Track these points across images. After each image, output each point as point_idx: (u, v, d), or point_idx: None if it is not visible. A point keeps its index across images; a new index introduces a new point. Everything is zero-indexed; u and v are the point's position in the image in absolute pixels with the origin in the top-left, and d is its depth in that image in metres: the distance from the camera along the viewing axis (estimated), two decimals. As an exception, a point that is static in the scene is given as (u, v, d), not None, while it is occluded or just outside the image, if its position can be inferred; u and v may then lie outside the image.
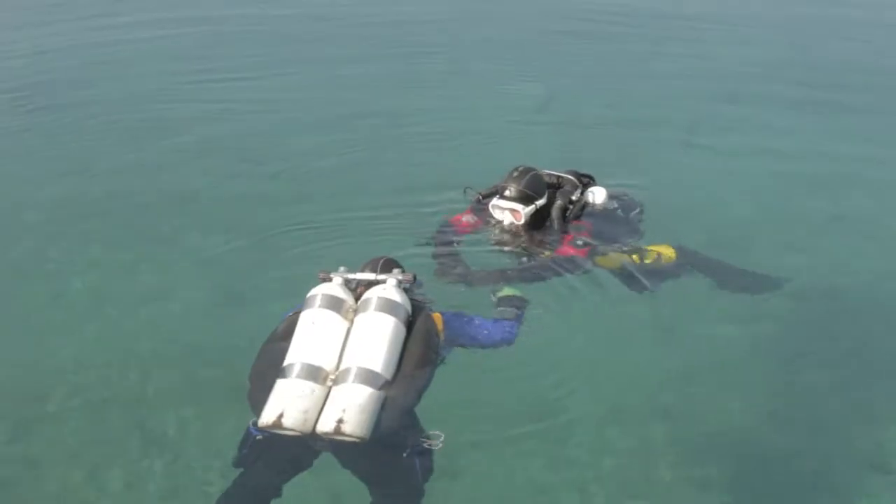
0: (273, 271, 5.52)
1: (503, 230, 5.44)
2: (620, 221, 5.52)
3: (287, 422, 3.21)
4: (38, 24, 11.94)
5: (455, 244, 5.43)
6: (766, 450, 4.42)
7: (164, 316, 5.26)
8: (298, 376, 3.31)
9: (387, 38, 11.20)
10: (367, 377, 3.29)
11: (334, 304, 3.50)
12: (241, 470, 3.45)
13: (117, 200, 6.70)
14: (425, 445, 3.42)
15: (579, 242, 5.30)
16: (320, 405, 3.27)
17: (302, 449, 3.44)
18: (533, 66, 10.19)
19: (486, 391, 4.55)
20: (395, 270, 3.70)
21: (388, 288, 3.56)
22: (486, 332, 3.95)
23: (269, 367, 3.43)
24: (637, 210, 5.62)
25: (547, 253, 5.31)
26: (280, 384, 3.31)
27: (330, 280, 3.65)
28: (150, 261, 5.83)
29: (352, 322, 3.49)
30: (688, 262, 5.35)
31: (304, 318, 3.49)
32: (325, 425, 3.21)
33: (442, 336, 3.66)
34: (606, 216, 5.50)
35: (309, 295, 3.56)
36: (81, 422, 4.43)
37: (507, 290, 4.60)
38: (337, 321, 3.48)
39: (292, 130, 8.11)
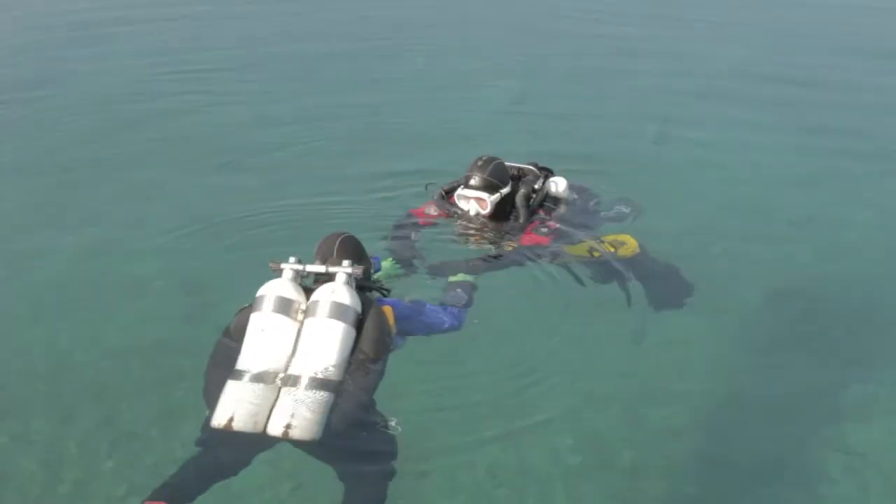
0: (236, 258, 5.52)
1: (468, 221, 5.45)
2: (581, 211, 5.57)
3: (237, 425, 3.28)
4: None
5: (413, 235, 5.45)
6: (735, 444, 4.43)
7: (130, 306, 5.23)
8: (248, 380, 3.38)
9: (363, 35, 11.18)
10: (316, 383, 3.37)
11: (283, 306, 3.54)
12: (201, 449, 3.45)
13: (81, 190, 6.69)
14: (383, 430, 3.45)
15: (543, 230, 5.34)
16: (270, 406, 3.33)
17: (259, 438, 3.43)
18: (507, 62, 10.20)
19: (449, 384, 4.54)
20: (346, 263, 3.65)
21: (338, 289, 3.54)
22: (436, 320, 3.99)
23: (220, 367, 3.51)
24: (594, 201, 5.69)
25: (512, 243, 5.32)
26: (230, 386, 3.38)
27: (280, 271, 3.65)
28: (115, 251, 5.81)
29: (301, 323, 3.52)
30: (645, 261, 5.35)
31: (254, 322, 3.53)
32: (274, 429, 3.29)
33: (394, 329, 3.69)
34: (568, 205, 5.55)
35: (258, 294, 3.60)
36: (47, 414, 4.39)
37: (459, 276, 4.62)
38: (286, 325, 3.53)
39: (262, 124, 8.14)
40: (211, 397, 3.42)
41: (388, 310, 3.71)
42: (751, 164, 7.46)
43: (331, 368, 3.40)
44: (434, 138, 7.70)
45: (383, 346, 3.60)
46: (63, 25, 11.56)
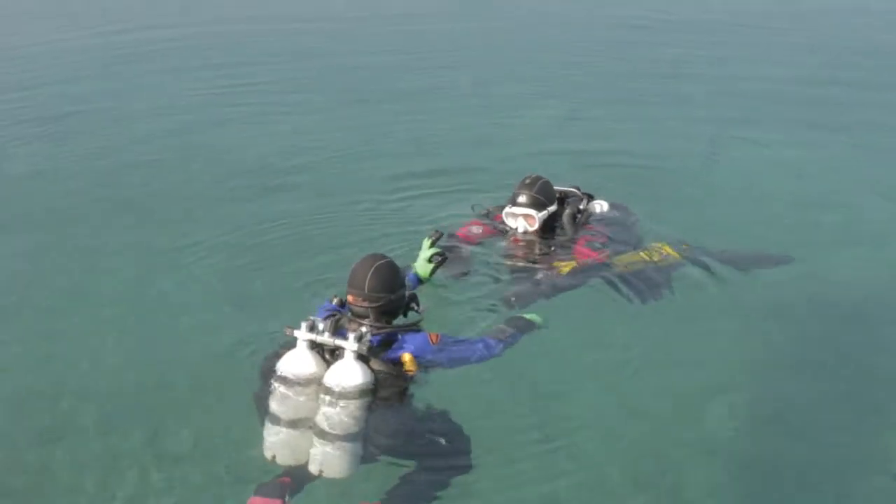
0: (277, 275, 5.56)
1: (516, 239, 5.48)
2: (624, 227, 5.70)
3: (280, 462, 3.58)
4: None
5: (464, 250, 5.49)
6: (771, 458, 4.28)
7: (171, 321, 5.24)
8: (281, 425, 3.58)
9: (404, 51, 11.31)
10: (339, 440, 3.52)
11: (300, 382, 3.64)
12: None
13: (114, 203, 6.83)
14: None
15: (597, 244, 5.42)
16: (307, 447, 3.57)
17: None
18: (552, 85, 10.20)
19: (515, 406, 4.51)
20: (352, 337, 3.62)
21: (347, 373, 3.58)
22: (463, 355, 4.00)
23: (262, 399, 3.72)
24: (634, 218, 5.82)
25: (565, 262, 5.33)
26: (268, 428, 3.61)
27: (294, 337, 3.70)
28: (154, 264, 5.86)
29: (320, 392, 3.61)
30: (693, 256, 5.48)
31: (277, 391, 3.65)
32: (311, 468, 3.55)
33: (415, 373, 3.77)
34: (610, 222, 5.69)
35: (278, 370, 3.68)
36: (93, 431, 4.35)
37: (531, 315, 4.61)
38: (307, 393, 3.63)
39: (302, 142, 8.22)
40: (261, 422, 3.67)
41: (408, 359, 3.75)
42: (800, 182, 7.39)
43: (352, 429, 3.55)
44: (478, 159, 7.69)
45: (400, 395, 3.73)
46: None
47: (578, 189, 5.80)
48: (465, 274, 5.28)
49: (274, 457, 3.57)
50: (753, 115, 9.07)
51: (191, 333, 5.10)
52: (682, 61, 11.15)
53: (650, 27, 13.02)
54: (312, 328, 3.68)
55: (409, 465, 3.72)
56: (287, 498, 3.51)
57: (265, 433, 3.59)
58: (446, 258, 4.83)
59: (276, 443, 3.57)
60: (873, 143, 8.33)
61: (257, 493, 3.50)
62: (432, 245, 4.78)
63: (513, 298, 5.02)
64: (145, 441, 4.25)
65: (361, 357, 3.62)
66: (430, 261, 4.71)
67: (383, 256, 3.98)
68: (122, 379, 4.74)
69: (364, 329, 3.68)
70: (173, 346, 4.98)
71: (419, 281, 4.71)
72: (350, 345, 3.58)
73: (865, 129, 8.69)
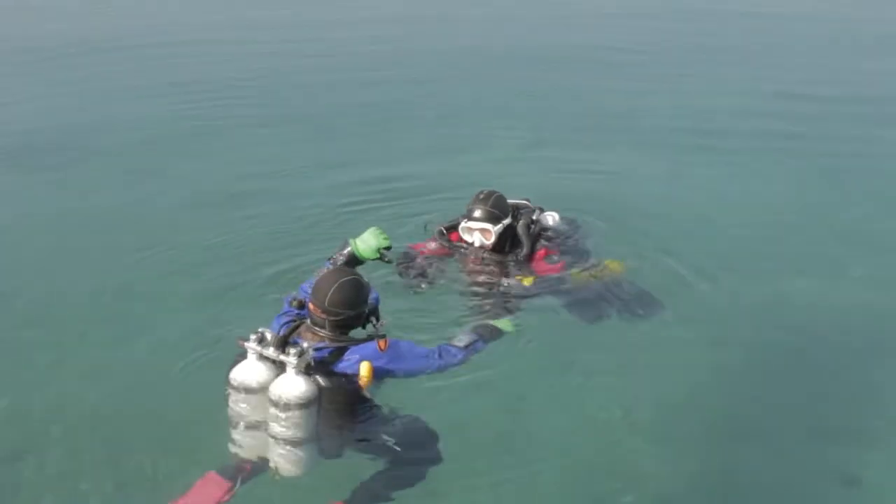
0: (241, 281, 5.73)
1: (473, 254, 5.61)
2: (575, 239, 5.88)
3: (244, 456, 3.86)
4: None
5: (419, 259, 5.64)
6: (729, 470, 4.44)
7: (136, 328, 5.32)
8: (240, 427, 3.82)
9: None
10: (288, 444, 3.72)
11: (250, 391, 3.78)
12: None
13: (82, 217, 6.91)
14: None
15: (555, 258, 5.60)
16: (266, 445, 3.80)
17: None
18: (521, 106, 10.34)
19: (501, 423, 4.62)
20: (293, 352, 3.69)
21: (289, 384, 3.69)
22: (420, 366, 4.09)
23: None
24: (584, 230, 6.05)
25: (526, 275, 5.48)
26: (231, 428, 3.85)
27: (244, 349, 3.81)
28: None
29: (269, 402, 3.75)
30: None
31: (231, 398, 3.82)
32: (270, 464, 3.81)
33: (369, 383, 3.85)
34: (562, 234, 5.87)
35: (230, 379, 3.81)
36: (68, 456, 4.37)
37: (502, 322, 4.72)
38: (258, 401, 3.77)
39: (286, 169, 8.18)
40: None
41: (366, 367, 3.82)
42: (761, 204, 7.49)
43: (298, 435, 3.72)
44: (439, 185, 7.66)
45: (350, 404, 3.84)
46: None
47: (529, 201, 5.94)
48: (423, 286, 5.40)
49: (237, 453, 3.84)
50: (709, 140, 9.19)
51: (155, 341, 5.19)
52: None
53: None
54: (262, 340, 3.79)
55: (376, 465, 3.85)
56: (238, 483, 3.80)
57: (230, 432, 3.83)
58: (391, 261, 4.90)
59: (239, 441, 3.83)
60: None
61: (217, 470, 3.84)
62: (384, 240, 4.73)
63: (478, 309, 5.14)
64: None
65: (307, 370, 3.73)
66: (377, 252, 4.70)
67: (350, 272, 4.06)
68: (89, 389, 4.80)
69: (305, 345, 3.79)
70: (138, 355, 5.08)
71: (357, 260, 4.68)
72: (290, 360, 3.70)
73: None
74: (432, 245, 5.75)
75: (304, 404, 3.66)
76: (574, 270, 5.54)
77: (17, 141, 9.00)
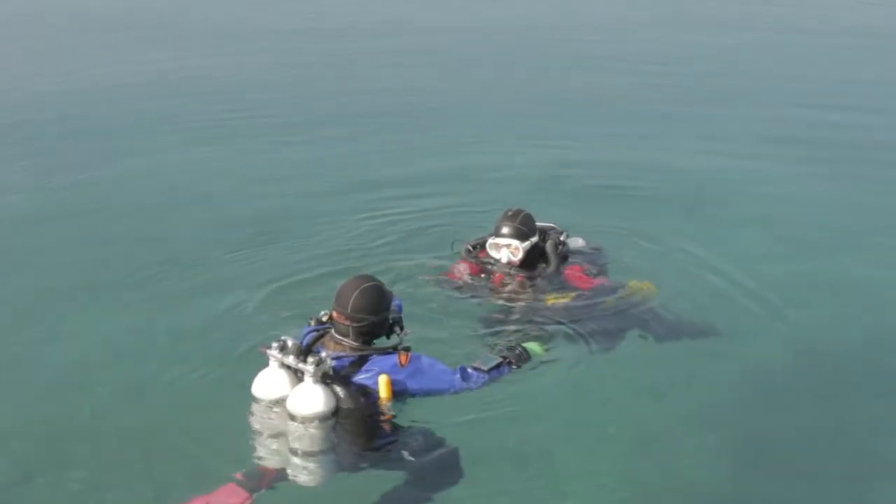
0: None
1: (500, 270, 5.61)
2: (600, 264, 5.88)
3: (267, 466, 3.85)
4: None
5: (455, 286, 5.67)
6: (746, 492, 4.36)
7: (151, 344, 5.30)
8: (263, 437, 3.92)
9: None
10: (305, 455, 3.79)
11: (269, 402, 3.90)
12: None
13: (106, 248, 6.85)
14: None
15: (594, 271, 5.64)
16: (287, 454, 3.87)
17: None
18: (542, 128, 10.31)
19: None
20: (311, 360, 3.75)
21: (306, 396, 3.74)
22: (440, 386, 4.08)
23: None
24: (609, 256, 6.02)
25: (553, 295, 5.46)
26: (255, 438, 3.95)
27: (267, 357, 3.89)
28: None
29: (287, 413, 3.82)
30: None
31: (254, 410, 3.93)
32: (288, 474, 3.83)
33: (388, 400, 3.88)
34: (590, 258, 5.88)
35: (253, 390, 3.91)
36: (90, 468, 4.34)
37: (530, 343, 4.71)
38: (276, 411, 3.88)
39: (300, 189, 8.16)
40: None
41: (384, 382, 3.83)
42: (796, 218, 7.48)
43: (315, 447, 3.79)
44: (466, 199, 7.75)
45: (366, 418, 3.88)
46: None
47: (556, 226, 5.95)
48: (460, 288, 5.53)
49: (261, 459, 3.87)
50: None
51: (174, 356, 5.14)
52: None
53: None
54: (283, 348, 3.81)
55: (395, 479, 3.81)
56: (258, 493, 3.73)
57: (253, 442, 3.90)
58: None
59: (260, 450, 3.88)
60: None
61: (237, 481, 3.74)
62: None
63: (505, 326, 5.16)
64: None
65: (325, 379, 3.74)
66: None
67: (372, 279, 4.07)
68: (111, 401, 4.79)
69: (324, 354, 3.80)
70: (158, 369, 5.03)
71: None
72: (308, 368, 3.70)
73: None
74: (462, 268, 5.70)
75: (322, 416, 3.70)
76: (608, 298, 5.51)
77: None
